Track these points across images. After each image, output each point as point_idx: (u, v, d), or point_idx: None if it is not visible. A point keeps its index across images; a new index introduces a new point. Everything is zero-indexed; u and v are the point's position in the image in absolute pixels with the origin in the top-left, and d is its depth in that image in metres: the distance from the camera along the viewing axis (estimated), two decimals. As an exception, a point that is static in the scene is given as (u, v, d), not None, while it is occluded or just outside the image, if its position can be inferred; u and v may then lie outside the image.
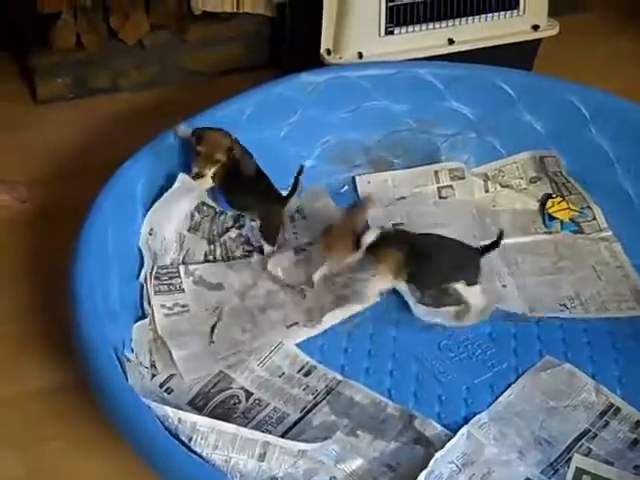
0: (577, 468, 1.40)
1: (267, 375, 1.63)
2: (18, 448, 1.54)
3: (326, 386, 1.61)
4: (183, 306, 1.75)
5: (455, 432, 1.53)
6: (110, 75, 2.40)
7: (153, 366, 1.62)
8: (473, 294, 1.71)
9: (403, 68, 2.09)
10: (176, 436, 1.37)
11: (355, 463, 1.46)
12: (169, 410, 1.39)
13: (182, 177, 1.82)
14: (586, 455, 1.51)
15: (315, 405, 1.57)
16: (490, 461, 1.49)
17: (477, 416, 1.57)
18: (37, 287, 1.82)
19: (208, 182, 1.83)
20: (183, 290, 1.77)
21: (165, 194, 1.80)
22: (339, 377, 1.63)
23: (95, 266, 1.58)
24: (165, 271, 1.77)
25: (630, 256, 1.93)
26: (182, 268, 1.79)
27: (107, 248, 1.65)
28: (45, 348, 1.70)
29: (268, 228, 1.86)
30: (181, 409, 1.43)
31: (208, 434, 1.39)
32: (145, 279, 1.74)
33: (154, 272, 1.75)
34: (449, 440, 1.50)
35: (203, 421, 1.40)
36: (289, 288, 1.80)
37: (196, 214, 1.87)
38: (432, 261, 1.68)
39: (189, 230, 1.85)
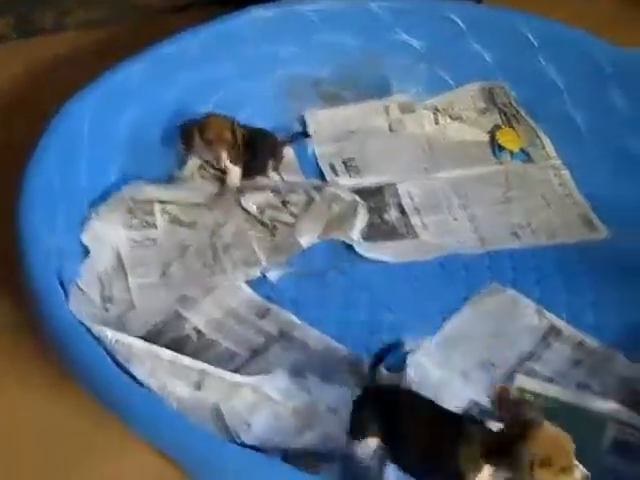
0: (519, 388, 1.42)
1: (221, 317, 1.62)
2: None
3: (280, 330, 1.59)
4: (153, 240, 1.75)
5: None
6: (55, 14, 2.33)
7: (107, 300, 1.61)
8: None
9: (352, 1, 2.06)
10: (113, 358, 1.35)
11: (300, 402, 1.44)
12: (108, 331, 1.38)
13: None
14: (529, 375, 1.53)
15: (267, 348, 1.56)
16: (436, 385, 1.49)
17: (423, 343, 1.57)
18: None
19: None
20: (156, 227, 1.77)
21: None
22: (295, 320, 1.60)
23: (41, 205, 1.55)
24: (140, 206, 1.77)
25: (578, 184, 1.94)
26: (157, 207, 1.78)
27: (53, 187, 1.63)
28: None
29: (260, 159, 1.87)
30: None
31: (144, 359, 1.38)
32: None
33: (127, 205, 1.75)
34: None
35: (140, 344, 1.39)
36: (260, 225, 1.79)
37: None
38: None
39: None
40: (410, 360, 1.53)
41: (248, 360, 1.54)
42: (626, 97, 1.94)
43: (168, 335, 1.57)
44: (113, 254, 1.70)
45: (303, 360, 1.53)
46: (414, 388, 1.47)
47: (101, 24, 2.37)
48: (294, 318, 1.61)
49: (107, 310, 1.60)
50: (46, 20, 2.33)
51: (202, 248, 1.75)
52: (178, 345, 1.55)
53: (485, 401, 1.50)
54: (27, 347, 1.56)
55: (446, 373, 1.53)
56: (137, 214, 1.77)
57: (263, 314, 1.63)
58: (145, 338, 1.53)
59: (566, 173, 1.97)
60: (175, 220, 1.79)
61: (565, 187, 1.94)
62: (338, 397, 1.48)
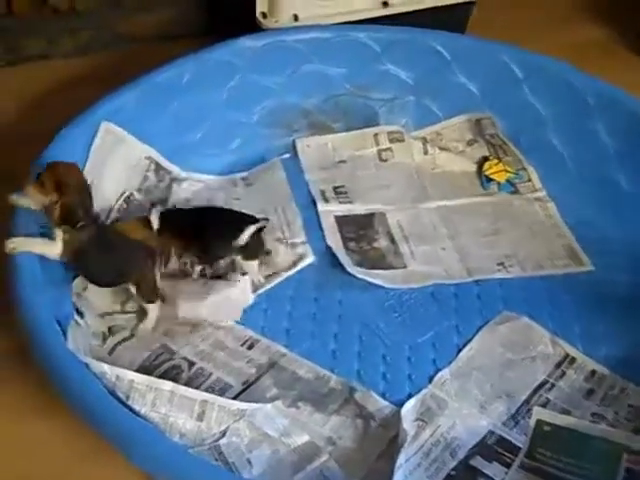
0: (538, 420, 1.43)
1: (210, 349, 1.60)
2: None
3: (269, 359, 1.57)
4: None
5: (398, 393, 1.54)
6: (43, 41, 2.31)
7: (109, 332, 1.59)
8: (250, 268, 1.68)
9: (340, 31, 2.05)
10: (113, 394, 1.34)
11: (301, 438, 1.42)
12: (106, 367, 1.36)
13: (106, 125, 1.77)
14: (544, 405, 1.53)
15: (258, 378, 1.54)
16: (454, 415, 1.50)
17: (439, 374, 1.57)
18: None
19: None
20: None
21: (92, 148, 1.74)
22: (283, 350, 1.59)
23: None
24: None
25: (563, 215, 1.96)
26: None
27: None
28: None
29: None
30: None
31: (145, 392, 1.37)
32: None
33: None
34: (391, 412, 1.49)
35: (140, 378, 1.37)
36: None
37: (151, 175, 1.85)
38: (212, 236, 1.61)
39: (139, 191, 1.81)
40: (426, 392, 1.54)
41: (241, 392, 1.52)
42: (608, 129, 1.95)
43: (159, 368, 1.54)
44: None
45: (295, 390, 1.52)
46: (431, 414, 1.49)
47: (86, 51, 2.36)
48: (281, 348, 1.60)
49: (103, 343, 1.57)
50: (33, 48, 2.30)
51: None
52: (170, 377, 1.50)
53: (500, 428, 1.50)
54: (15, 374, 1.55)
55: (464, 404, 1.52)
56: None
57: (251, 345, 1.60)
58: (140, 372, 1.51)
59: (551, 205, 1.98)
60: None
61: (550, 218, 1.96)
62: (335, 427, 1.47)
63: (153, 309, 1.60)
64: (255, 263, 1.69)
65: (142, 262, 1.57)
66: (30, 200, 1.49)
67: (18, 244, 1.47)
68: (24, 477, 1.43)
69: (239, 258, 1.65)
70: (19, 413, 1.50)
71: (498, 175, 2.01)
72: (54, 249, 1.49)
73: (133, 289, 1.58)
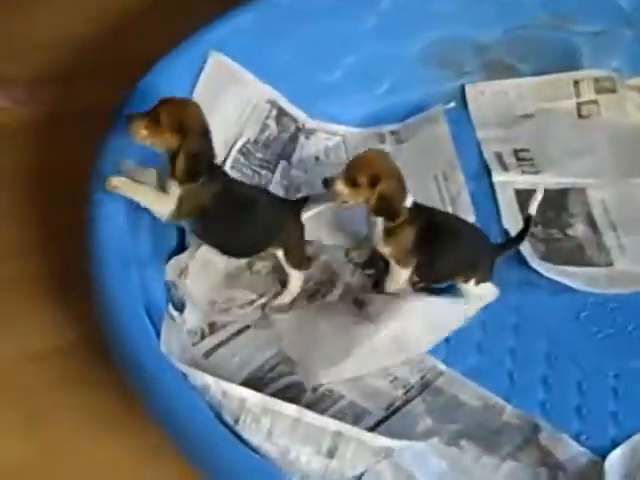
0: None
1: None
2: (21, 426, 1.51)
3: (422, 378, 1.54)
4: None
5: (598, 437, 1.46)
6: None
7: (209, 329, 1.58)
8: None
9: (532, -60, 1.94)
10: (218, 415, 1.31)
11: None
12: (210, 379, 1.32)
13: (216, 56, 1.74)
14: None
15: (406, 403, 1.50)
16: None
17: None
18: (44, 217, 1.78)
19: None
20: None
21: (197, 85, 1.72)
22: (441, 366, 1.55)
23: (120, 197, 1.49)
24: None
25: None
26: None
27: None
28: (52, 297, 1.67)
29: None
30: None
31: (261, 415, 1.33)
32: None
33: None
34: (588, 463, 1.43)
35: (255, 398, 1.34)
36: None
37: (271, 123, 1.81)
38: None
39: (256, 142, 1.80)
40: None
41: (382, 421, 1.47)
42: None
43: (273, 384, 1.51)
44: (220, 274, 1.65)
45: (456, 422, 1.48)
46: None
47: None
48: (439, 363, 1.56)
49: (200, 342, 1.55)
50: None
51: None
52: (287, 397, 1.45)
53: None
54: (93, 372, 1.56)
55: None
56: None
57: (398, 356, 1.52)
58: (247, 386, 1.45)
59: None
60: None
61: None
62: (510, 476, 1.41)
63: (298, 278, 1.62)
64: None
65: (291, 222, 1.60)
66: (140, 138, 1.47)
67: (123, 185, 1.47)
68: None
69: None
70: (89, 425, 1.52)
71: None
72: (166, 203, 1.48)
73: (280, 253, 1.60)
